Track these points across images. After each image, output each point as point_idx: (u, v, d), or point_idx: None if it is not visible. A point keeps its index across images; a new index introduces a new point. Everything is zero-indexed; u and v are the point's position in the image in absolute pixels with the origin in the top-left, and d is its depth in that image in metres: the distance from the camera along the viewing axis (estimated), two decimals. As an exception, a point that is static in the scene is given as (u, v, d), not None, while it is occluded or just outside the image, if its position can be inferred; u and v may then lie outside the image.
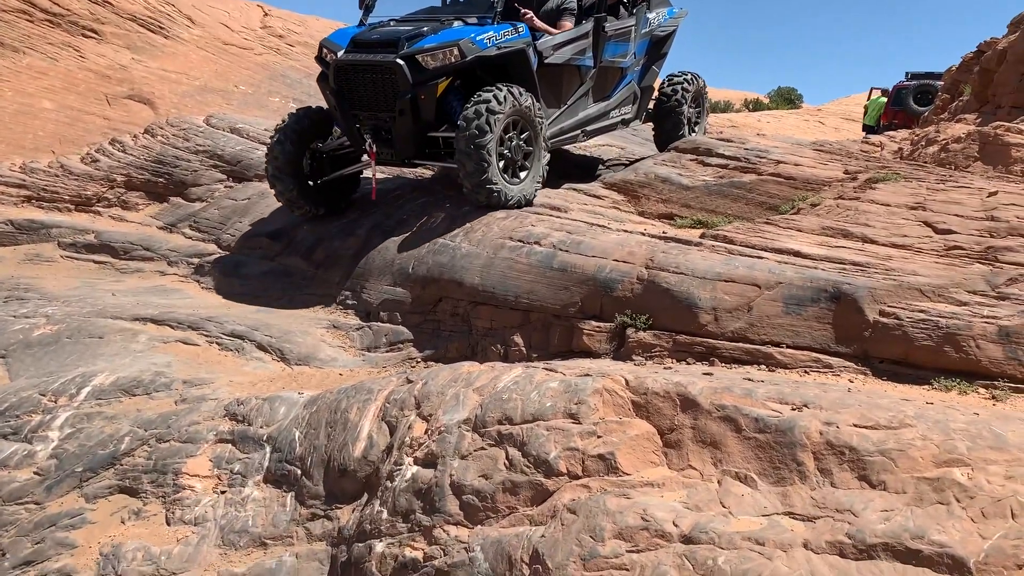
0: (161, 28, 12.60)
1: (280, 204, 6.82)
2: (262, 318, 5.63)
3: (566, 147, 7.68)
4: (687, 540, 2.74)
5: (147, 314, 5.57)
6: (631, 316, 4.65)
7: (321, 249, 6.54)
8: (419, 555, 3.22)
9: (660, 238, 5.20)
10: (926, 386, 3.84)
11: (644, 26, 7.49)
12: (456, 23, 6.06)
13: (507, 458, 3.30)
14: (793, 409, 3.15)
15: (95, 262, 7.19)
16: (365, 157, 6.27)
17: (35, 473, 4.17)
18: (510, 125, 5.78)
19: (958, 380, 3.80)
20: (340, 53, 6.00)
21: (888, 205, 5.29)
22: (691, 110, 7.98)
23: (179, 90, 11.13)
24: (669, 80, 7.97)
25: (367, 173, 6.58)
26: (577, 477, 3.16)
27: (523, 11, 6.33)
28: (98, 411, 4.44)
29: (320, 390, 4.40)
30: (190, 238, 7.36)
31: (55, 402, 4.53)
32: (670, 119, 7.85)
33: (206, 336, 5.33)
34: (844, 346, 4.19)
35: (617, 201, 6.90)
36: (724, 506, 2.91)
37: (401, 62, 5.70)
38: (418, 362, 5.15)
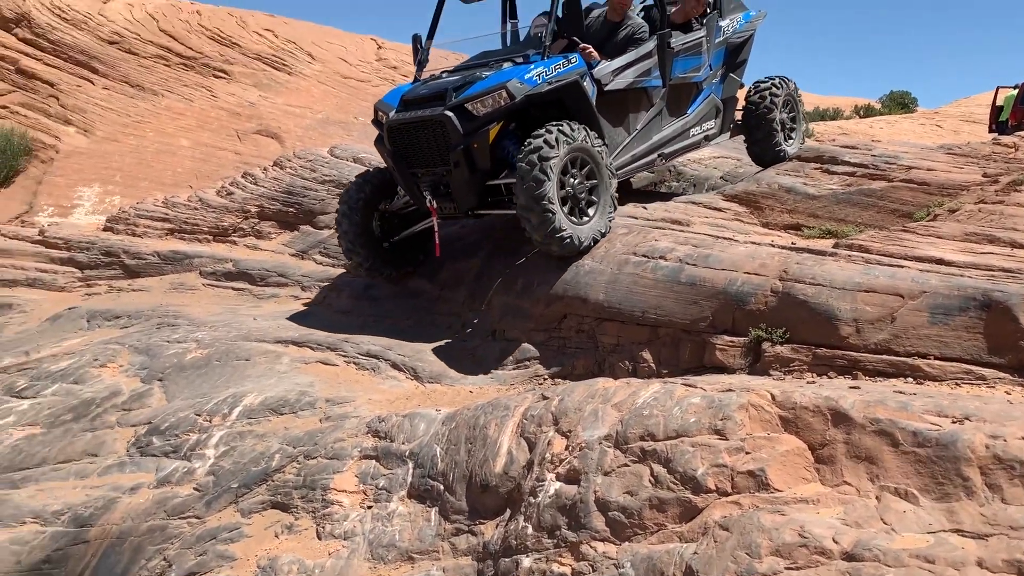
0: (284, 65, 13.28)
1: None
2: (394, 338, 5.81)
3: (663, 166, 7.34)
4: (849, 557, 2.66)
5: (288, 336, 5.84)
6: (766, 330, 4.54)
7: (445, 271, 6.70)
8: (567, 570, 3.24)
9: (791, 249, 5.08)
10: (1095, 397, 3.61)
11: (718, 35, 7.13)
12: (506, 64, 5.90)
13: (652, 475, 3.29)
14: (954, 422, 3.02)
15: (234, 289, 7.59)
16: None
17: (195, 489, 4.42)
18: (568, 164, 5.50)
19: None
20: (392, 113, 5.93)
21: (1037, 207, 5.01)
22: (783, 116, 7.49)
23: (303, 123, 11.68)
24: (755, 87, 7.54)
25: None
26: (727, 494, 3.12)
27: (581, 45, 6.12)
28: (249, 430, 4.68)
29: (454, 407, 4.50)
30: (321, 264, 7.67)
31: (210, 422, 4.80)
32: (761, 128, 7.36)
33: (343, 356, 5.54)
34: (998, 356, 3.97)
35: (739, 213, 6.80)
36: (885, 523, 2.81)
37: (450, 113, 5.56)
38: (545, 379, 5.19)
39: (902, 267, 4.54)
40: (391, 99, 6.06)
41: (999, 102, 19.64)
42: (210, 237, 8.63)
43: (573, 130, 5.50)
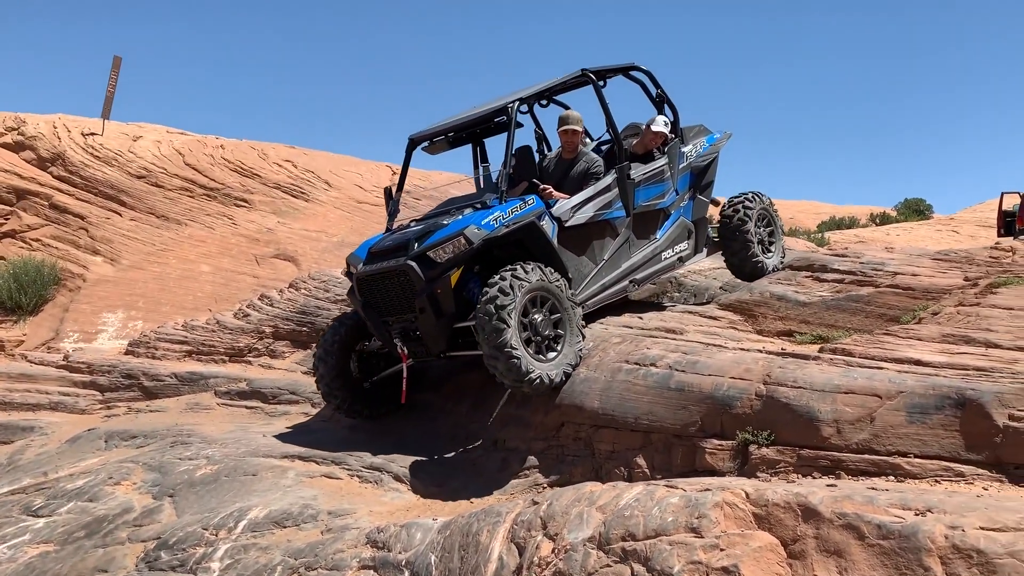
0: (302, 193, 13.95)
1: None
2: (398, 451, 5.97)
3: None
4: (815, 649, 2.75)
5: (294, 452, 6.03)
6: (752, 432, 4.69)
7: (450, 383, 6.91)
8: (552, 672, 3.31)
9: (777, 354, 5.27)
10: (1069, 491, 3.70)
11: (681, 161, 7.36)
12: (467, 211, 6.10)
13: (632, 574, 3.40)
14: (916, 514, 3.15)
15: (247, 407, 7.83)
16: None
17: (199, 602, 4.53)
18: (528, 305, 5.61)
19: (1102, 482, 3.65)
20: (360, 266, 6.18)
21: (1011, 309, 5.20)
22: (759, 229, 7.67)
23: (319, 246, 12.19)
24: (730, 203, 7.73)
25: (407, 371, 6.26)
26: (702, 590, 3.22)
27: (542, 187, 6.38)
28: (253, 542, 4.81)
29: (452, 516, 4.62)
30: (331, 380, 7.89)
31: (216, 535, 4.94)
32: (736, 241, 7.53)
33: (347, 470, 5.70)
34: (975, 453, 4.08)
35: (734, 321, 7.01)
36: (852, 615, 2.90)
37: (412, 263, 5.75)
38: (544, 487, 5.31)
39: (881, 368, 4.71)
40: (360, 252, 6.34)
41: (1005, 207, 20.02)
42: (226, 358, 8.94)
43: (528, 272, 5.61)
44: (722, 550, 3.30)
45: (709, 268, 9.38)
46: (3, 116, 13.79)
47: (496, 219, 5.90)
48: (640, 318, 6.75)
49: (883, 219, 36.65)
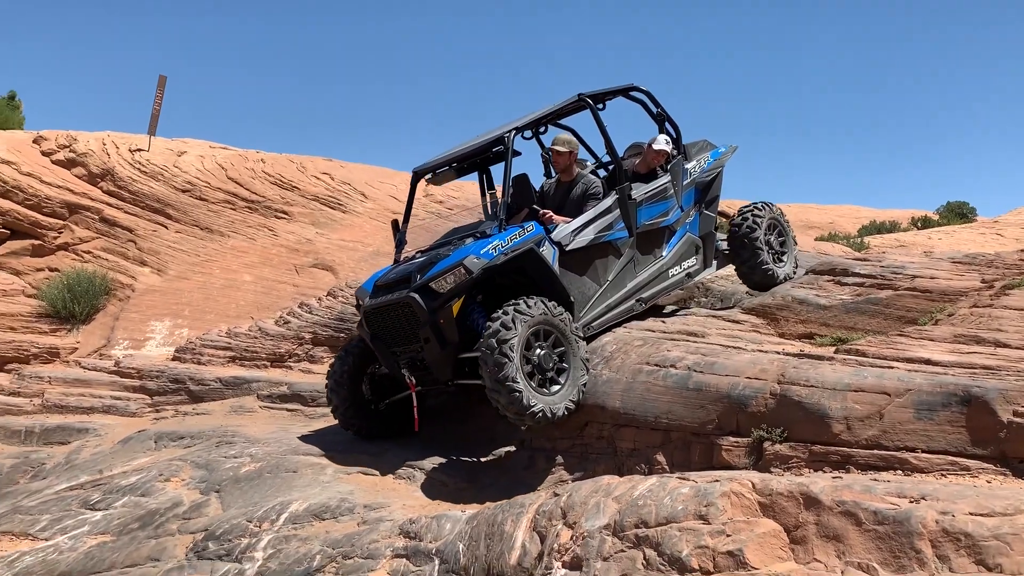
0: (339, 205, 14.37)
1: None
2: (430, 450, 6.26)
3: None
4: (809, 623, 2.97)
5: (332, 451, 6.35)
6: (767, 430, 4.89)
7: (477, 390, 7.17)
8: (569, 649, 3.56)
9: (793, 355, 5.46)
10: (1069, 483, 3.86)
11: (685, 178, 7.38)
12: (468, 240, 6.18)
13: (644, 558, 3.64)
14: (911, 502, 3.35)
15: (288, 410, 8.19)
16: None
17: (245, 588, 4.85)
18: (532, 338, 5.67)
19: (1101, 475, 3.80)
20: (367, 300, 6.34)
21: (1022, 310, 5.33)
22: (769, 237, 7.69)
23: (356, 256, 12.58)
24: (739, 213, 7.79)
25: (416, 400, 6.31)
26: (709, 572, 3.45)
27: (541, 212, 6.46)
28: (294, 533, 5.13)
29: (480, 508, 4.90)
30: (367, 384, 8.23)
31: (259, 527, 5.27)
32: (746, 250, 7.57)
33: (382, 468, 6.01)
34: (980, 448, 4.24)
35: (756, 325, 7.18)
36: (847, 593, 3.11)
37: (415, 295, 5.87)
38: (568, 483, 5.55)
39: (891, 368, 4.88)
40: (367, 285, 6.51)
41: None
42: (268, 363, 9.33)
43: (530, 306, 5.66)
44: (728, 536, 3.53)
45: (735, 274, 9.54)
46: (56, 134, 14.42)
47: (495, 248, 5.97)
48: (663, 322, 6.95)
49: (924, 223, 36.20)
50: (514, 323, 5.54)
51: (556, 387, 5.75)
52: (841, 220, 33.33)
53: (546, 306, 5.77)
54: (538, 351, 5.70)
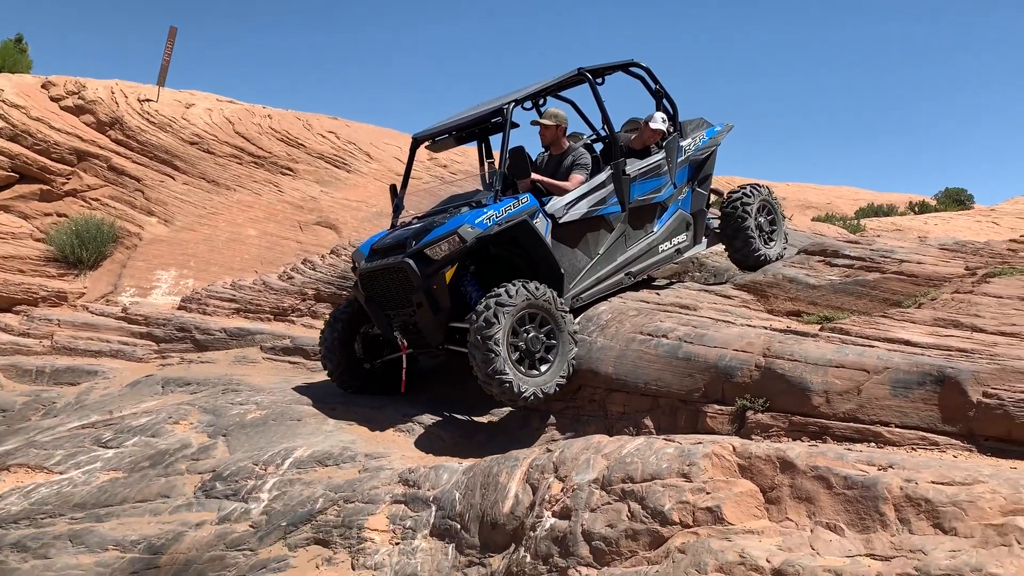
0: (344, 164, 14.52)
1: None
2: (430, 405, 6.54)
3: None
4: (776, 573, 3.25)
5: (335, 402, 6.61)
6: (750, 399, 5.16)
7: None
8: (556, 590, 3.85)
9: (780, 331, 5.72)
10: (1028, 461, 4.13)
11: (679, 155, 7.53)
12: (464, 209, 6.31)
13: (629, 511, 3.91)
14: (879, 469, 3.61)
15: (290, 362, 8.44)
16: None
17: (250, 526, 5.13)
18: (527, 317, 5.84)
19: (1059, 455, 4.07)
20: (362, 263, 6.48)
21: (1000, 297, 5.58)
22: (759, 220, 7.88)
23: (359, 216, 12.77)
24: (730, 196, 7.95)
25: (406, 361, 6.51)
26: (688, 526, 3.73)
27: (534, 176, 6.60)
28: (298, 477, 5.41)
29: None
30: (368, 341, 8.48)
31: (265, 470, 5.54)
32: (739, 236, 7.79)
33: (383, 420, 6.28)
34: (950, 425, 4.52)
35: (747, 300, 7.42)
36: (813, 549, 3.39)
37: (409, 261, 6.01)
38: (561, 442, 5.83)
39: (872, 347, 5.14)
40: (364, 248, 6.67)
41: None
42: (271, 316, 9.56)
43: (512, 295, 5.77)
44: (708, 493, 3.80)
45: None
46: (65, 80, 14.49)
47: (489, 218, 6.10)
48: (658, 294, 7.19)
49: (922, 208, 36.34)
50: (497, 317, 5.67)
51: (545, 366, 5.94)
52: (839, 201, 33.50)
53: (528, 290, 5.86)
54: (526, 335, 5.85)
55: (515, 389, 5.70)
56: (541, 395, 5.82)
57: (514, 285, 5.80)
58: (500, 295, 5.73)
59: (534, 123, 7.15)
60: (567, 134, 7.39)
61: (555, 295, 6.05)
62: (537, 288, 5.92)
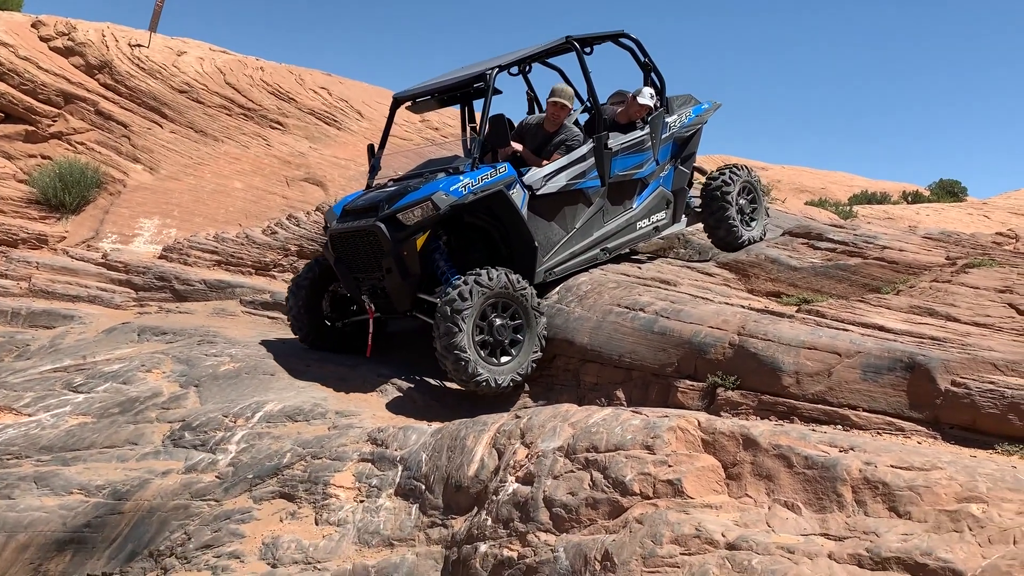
0: (335, 121, 14.37)
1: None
2: (404, 367, 6.53)
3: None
4: (730, 547, 3.27)
5: (309, 359, 6.59)
6: (722, 377, 5.18)
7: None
8: (514, 555, 3.87)
9: (757, 311, 5.72)
10: (990, 450, 4.16)
11: (664, 131, 7.42)
12: (440, 175, 6.17)
13: (591, 479, 3.93)
14: (841, 451, 3.63)
15: (269, 317, 8.41)
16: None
17: (216, 477, 5.13)
18: (489, 309, 5.77)
19: (1020, 446, 4.11)
20: (334, 223, 6.38)
21: (977, 288, 5.60)
22: (740, 202, 7.80)
23: (347, 174, 12.65)
24: (711, 176, 7.85)
25: (373, 324, 6.48)
26: (648, 498, 3.75)
27: (515, 146, 6.52)
28: (267, 431, 5.40)
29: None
30: (348, 300, 8.45)
31: (234, 423, 5.54)
32: (717, 215, 7.67)
33: (356, 379, 6.27)
34: (916, 412, 4.56)
35: (728, 279, 7.42)
36: (769, 526, 3.42)
37: (380, 224, 5.89)
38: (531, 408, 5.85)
39: (846, 330, 5.16)
40: (337, 208, 6.56)
41: None
42: (252, 270, 9.50)
43: (492, 278, 5.71)
44: (670, 466, 3.82)
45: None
46: (55, 20, 14.23)
47: (465, 186, 6.00)
48: (639, 268, 7.18)
49: (915, 197, 36.38)
50: (471, 295, 5.63)
51: (506, 358, 5.90)
52: (833, 187, 33.54)
53: (509, 279, 5.83)
54: (495, 321, 5.82)
55: (470, 370, 5.64)
56: (494, 384, 5.75)
57: (496, 271, 5.77)
58: (481, 275, 5.67)
59: (552, 102, 6.94)
60: None
61: (533, 292, 6.01)
62: (519, 281, 5.89)
